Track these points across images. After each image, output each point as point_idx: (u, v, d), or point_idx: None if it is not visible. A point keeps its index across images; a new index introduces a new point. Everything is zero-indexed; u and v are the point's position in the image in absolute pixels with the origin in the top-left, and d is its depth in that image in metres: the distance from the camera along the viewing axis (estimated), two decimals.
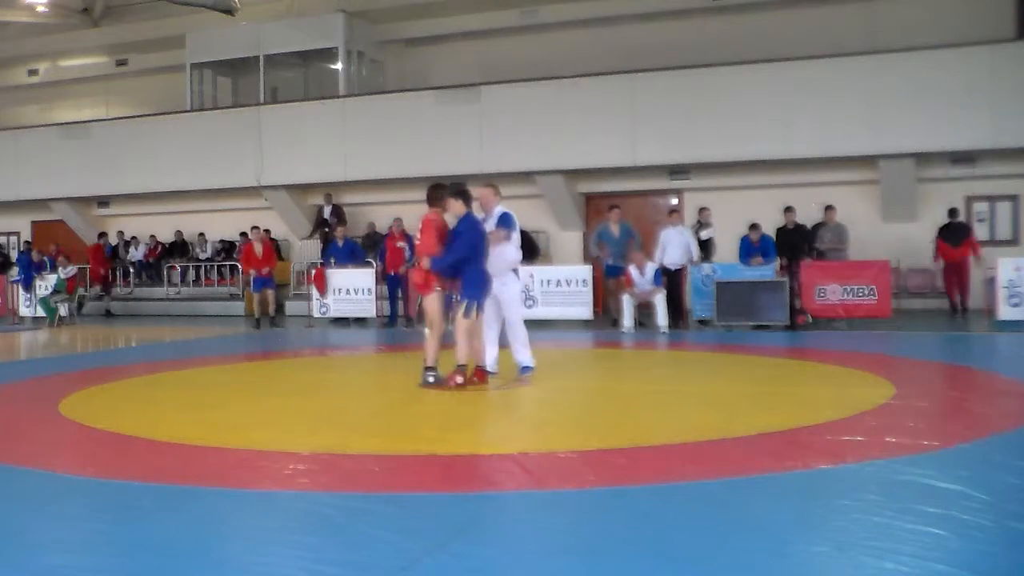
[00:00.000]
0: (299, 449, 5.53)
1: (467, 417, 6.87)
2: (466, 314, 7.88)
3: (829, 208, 14.81)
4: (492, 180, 9.58)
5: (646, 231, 16.04)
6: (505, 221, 8.37)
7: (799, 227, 14.63)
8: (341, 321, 16.37)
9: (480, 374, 8.11)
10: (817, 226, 14.92)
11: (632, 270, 13.75)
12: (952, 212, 15.35)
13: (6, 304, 19.48)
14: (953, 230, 15.09)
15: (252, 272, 16.41)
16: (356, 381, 9.45)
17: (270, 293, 16.44)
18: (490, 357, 8.62)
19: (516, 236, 8.51)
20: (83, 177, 21.76)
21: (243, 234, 20.97)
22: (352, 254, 16.68)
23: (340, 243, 16.92)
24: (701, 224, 15.29)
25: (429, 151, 18.48)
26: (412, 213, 18.40)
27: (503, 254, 8.39)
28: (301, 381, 9.30)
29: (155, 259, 21.71)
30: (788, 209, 14.70)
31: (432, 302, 8.11)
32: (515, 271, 8.57)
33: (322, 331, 15.47)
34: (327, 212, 19.32)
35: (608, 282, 14.59)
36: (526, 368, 8.53)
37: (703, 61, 17.30)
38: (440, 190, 8.26)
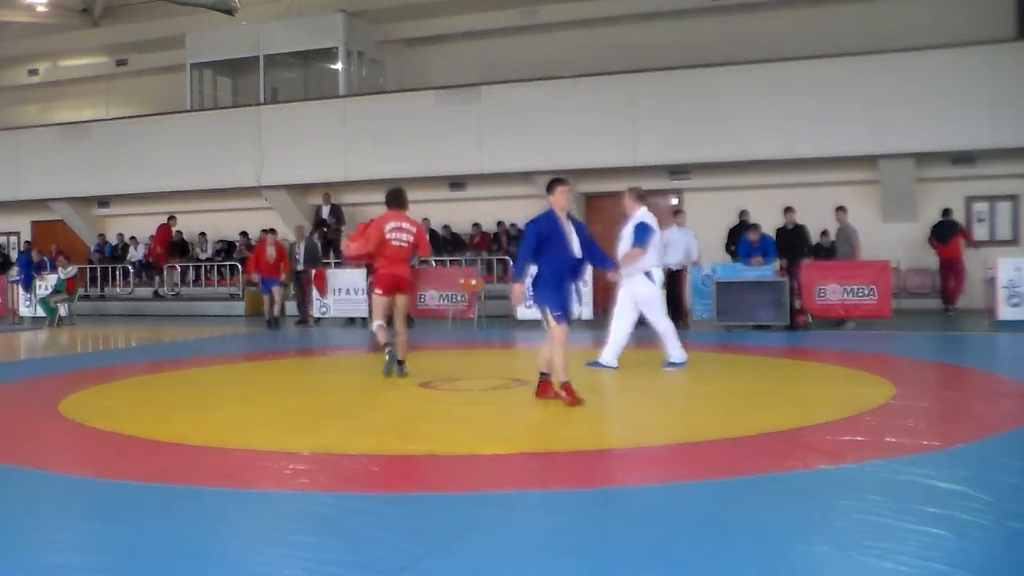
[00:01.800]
0: (299, 449, 5.53)
1: (467, 417, 6.87)
2: (556, 322, 6.99)
3: (840, 209, 14.74)
4: (636, 184, 10.02)
5: None
6: (639, 231, 8.72)
7: (799, 227, 14.61)
8: (336, 320, 16.37)
9: (568, 390, 7.06)
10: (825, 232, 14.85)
11: None
12: (945, 212, 15.56)
13: (6, 304, 19.48)
14: (944, 228, 15.41)
15: (258, 275, 16.21)
16: (356, 381, 9.45)
17: (277, 291, 16.19)
18: (608, 354, 9.14)
19: (654, 241, 8.88)
20: (83, 177, 21.77)
21: (243, 233, 21.01)
22: None
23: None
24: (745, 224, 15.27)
25: (429, 151, 18.49)
26: (413, 213, 18.45)
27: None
28: (301, 381, 9.31)
29: (155, 259, 21.70)
30: (788, 209, 14.66)
31: (411, 300, 9.24)
32: (648, 273, 8.86)
33: (322, 331, 15.47)
34: (326, 212, 19.32)
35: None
36: (673, 364, 8.99)
37: (703, 61, 17.30)
38: (404, 195, 8.93)
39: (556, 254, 6.93)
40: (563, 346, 6.91)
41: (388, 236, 8.60)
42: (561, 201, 6.99)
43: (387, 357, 8.76)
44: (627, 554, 3.56)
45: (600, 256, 7.35)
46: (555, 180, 7.04)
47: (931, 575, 3.27)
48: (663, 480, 4.82)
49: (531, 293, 7.46)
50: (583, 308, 14.57)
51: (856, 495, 4.28)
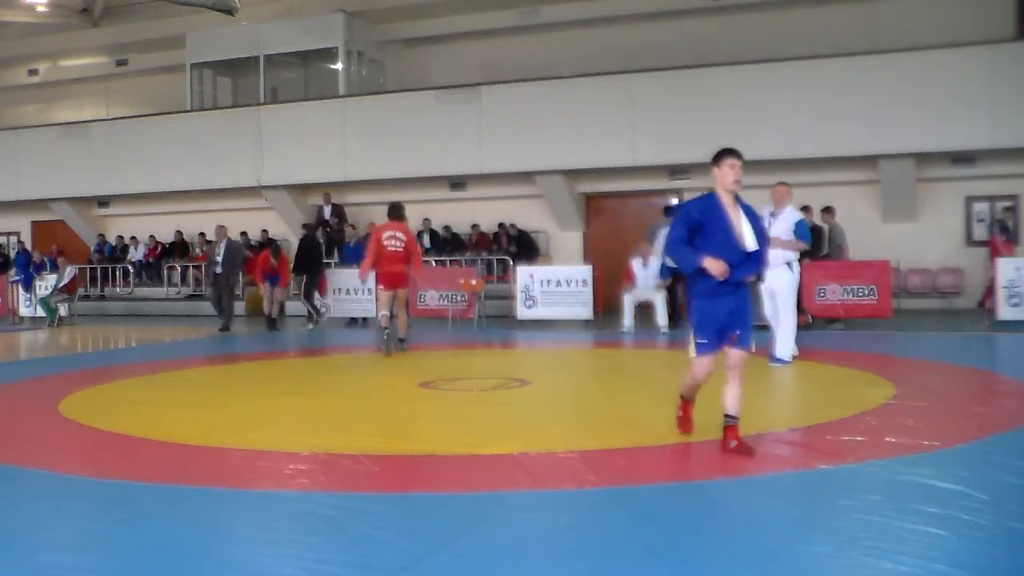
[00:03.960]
0: (299, 449, 5.53)
1: (467, 417, 6.86)
2: (696, 352, 5.35)
3: (826, 210, 14.70)
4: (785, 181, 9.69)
5: (647, 231, 16.04)
6: (801, 233, 8.90)
7: (816, 227, 14.40)
8: (336, 320, 16.37)
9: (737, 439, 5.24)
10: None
11: (635, 263, 13.59)
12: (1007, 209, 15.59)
13: (6, 304, 19.47)
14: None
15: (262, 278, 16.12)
16: (356, 381, 9.45)
17: (277, 291, 16.13)
18: (786, 349, 9.19)
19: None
20: (83, 177, 21.76)
21: (243, 233, 21.02)
22: (357, 254, 16.67)
23: (352, 243, 17.04)
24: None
25: (429, 151, 18.48)
26: (413, 213, 18.45)
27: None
28: (301, 381, 9.31)
29: (155, 259, 21.70)
30: (804, 208, 14.40)
31: (409, 292, 11.66)
32: (789, 264, 8.99)
33: (321, 331, 15.46)
34: (327, 212, 19.34)
35: None
36: (779, 360, 9.02)
37: (703, 61, 17.30)
38: (402, 209, 11.16)
39: (715, 251, 5.13)
40: (698, 382, 5.42)
41: (385, 243, 10.82)
42: (728, 178, 5.25)
43: (385, 337, 10.93)
44: (627, 554, 3.56)
45: (763, 258, 5.42)
46: (724, 151, 5.34)
47: (931, 575, 3.27)
48: (663, 480, 4.82)
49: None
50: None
51: (856, 495, 4.28)
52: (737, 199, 5.33)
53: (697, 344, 5.29)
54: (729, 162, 5.28)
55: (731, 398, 5.24)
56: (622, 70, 17.67)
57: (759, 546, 3.65)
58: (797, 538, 3.74)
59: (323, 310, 15.84)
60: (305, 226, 17.32)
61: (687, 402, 5.67)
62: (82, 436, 6.34)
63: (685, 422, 5.68)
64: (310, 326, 15.61)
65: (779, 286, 9.03)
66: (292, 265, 15.98)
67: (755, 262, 5.29)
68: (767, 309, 9.28)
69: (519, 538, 3.86)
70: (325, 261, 18.15)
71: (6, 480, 5.10)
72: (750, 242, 5.22)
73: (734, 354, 5.26)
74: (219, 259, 15.13)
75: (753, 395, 7.66)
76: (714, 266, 5.08)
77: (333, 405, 7.55)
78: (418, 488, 4.73)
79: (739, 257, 5.18)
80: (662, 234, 14.43)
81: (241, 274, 16.67)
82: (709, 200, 5.31)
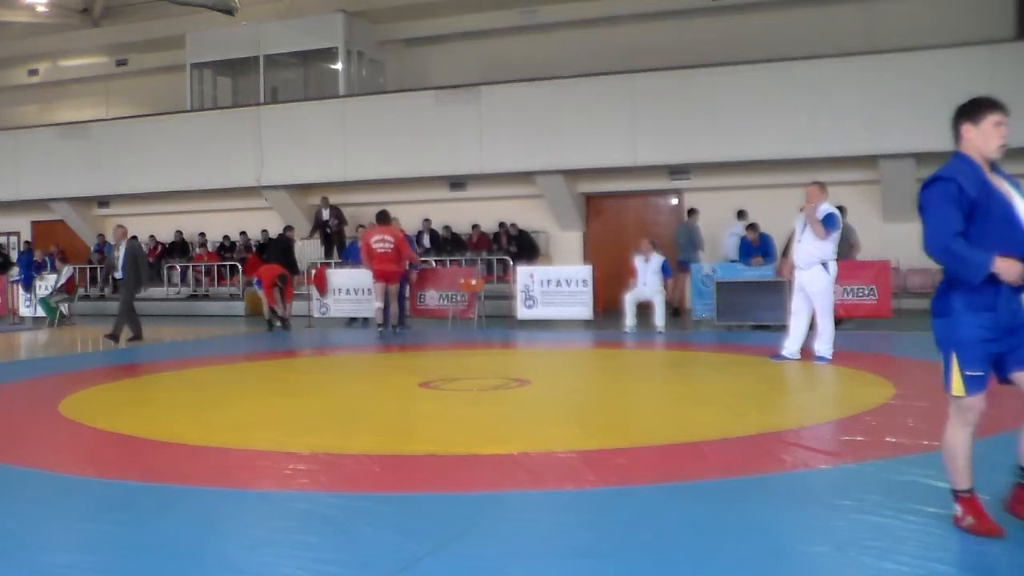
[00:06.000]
0: (299, 449, 5.53)
1: (467, 417, 6.87)
2: (966, 389, 3.87)
3: (839, 209, 14.65)
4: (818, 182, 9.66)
5: (647, 231, 16.06)
6: (829, 222, 8.93)
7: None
8: (336, 320, 16.36)
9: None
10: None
11: (637, 260, 13.55)
12: None
13: (6, 304, 19.47)
14: None
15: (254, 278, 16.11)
16: (356, 381, 9.45)
17: (275, 292, 16.02)
18: (793, 346, 9.35)
19: (836, 234, 9.08)
20: (83, 177, 21.77)
21: (243, 233, 21.04)
22: (353, 253, 16.69)
23: (348, 244, 17.10)
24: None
25: (429, 151, 18.49)
26: (413, 213, 18.54)
27: (807, 247, 9.00)
28: (301, 381, 9.31)
29: (155, 259, 21.69)
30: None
31: (400, 287, 14.02)
32: (824, 264, 9.04)
33: (321, 331, 15.46)
34: (326, 215, 19.38)
35: None
36: (821, 358, 9.13)
37: (703, 61, 17.30)
38: (387, 215, 13.80)
39: (995, 245, 3.54)
40: (970, 428, 3.86)
41: (374, 246, 13.47)
42: (993, 142, 3.77)
43: (378, 332, 13.75)
44: (627, 554, 3.56)
45: None
46: (983, 102, 3.89)
47: (931, 575, 3.27)
48: (663, 480, 4.82)
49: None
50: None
51: (856, 495, 4.28)
52: (994, 168, 3.77)
53: (967, 379, 3.73)
54: (994, 118, 3.76)
55: None
56: (622, 70, 17.67)
57: (759, 546, 3.65)
58: (797, 538, 3.74)
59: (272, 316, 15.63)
60: (286, 228, 17.50)
61: (965, 498, 3.74)
62: (82, 436, 6.34)
63: (983, 515, 3.69)
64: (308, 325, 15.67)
65: (814, 286, 9.03)
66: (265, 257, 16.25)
67: None
68: (793, 305, 9.32)
69: (519, 538, 3.86)
70: (324, 261, 18.20)
71: (6, 480, 5.10)
72: None
73: None
74: (119, 263, 13.66)
75: (753, 395, 7.67)
76: (1009, 268, 3.48)
77: (333, 405, 7.55)
78: (418, 488, 4.73)
79: None
80: (730, 234, 14.50)
81: (141, 277, 14.26)
82: (972, 170, 3.70)
